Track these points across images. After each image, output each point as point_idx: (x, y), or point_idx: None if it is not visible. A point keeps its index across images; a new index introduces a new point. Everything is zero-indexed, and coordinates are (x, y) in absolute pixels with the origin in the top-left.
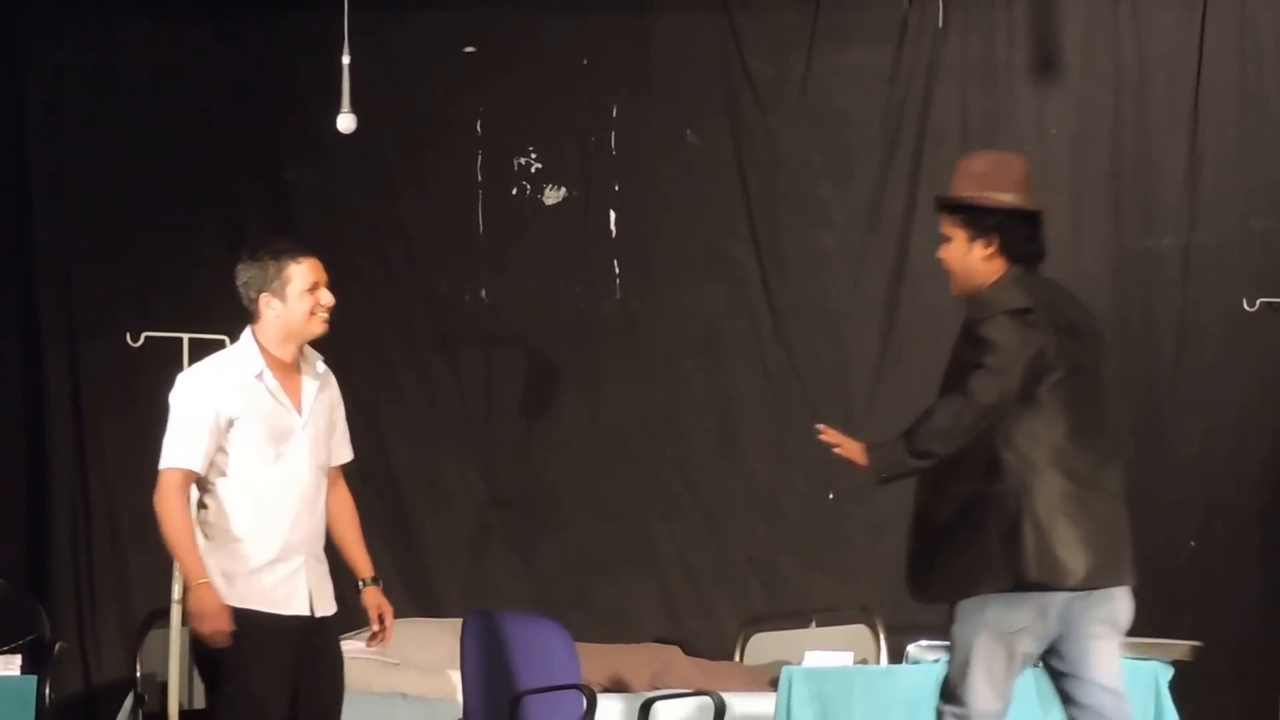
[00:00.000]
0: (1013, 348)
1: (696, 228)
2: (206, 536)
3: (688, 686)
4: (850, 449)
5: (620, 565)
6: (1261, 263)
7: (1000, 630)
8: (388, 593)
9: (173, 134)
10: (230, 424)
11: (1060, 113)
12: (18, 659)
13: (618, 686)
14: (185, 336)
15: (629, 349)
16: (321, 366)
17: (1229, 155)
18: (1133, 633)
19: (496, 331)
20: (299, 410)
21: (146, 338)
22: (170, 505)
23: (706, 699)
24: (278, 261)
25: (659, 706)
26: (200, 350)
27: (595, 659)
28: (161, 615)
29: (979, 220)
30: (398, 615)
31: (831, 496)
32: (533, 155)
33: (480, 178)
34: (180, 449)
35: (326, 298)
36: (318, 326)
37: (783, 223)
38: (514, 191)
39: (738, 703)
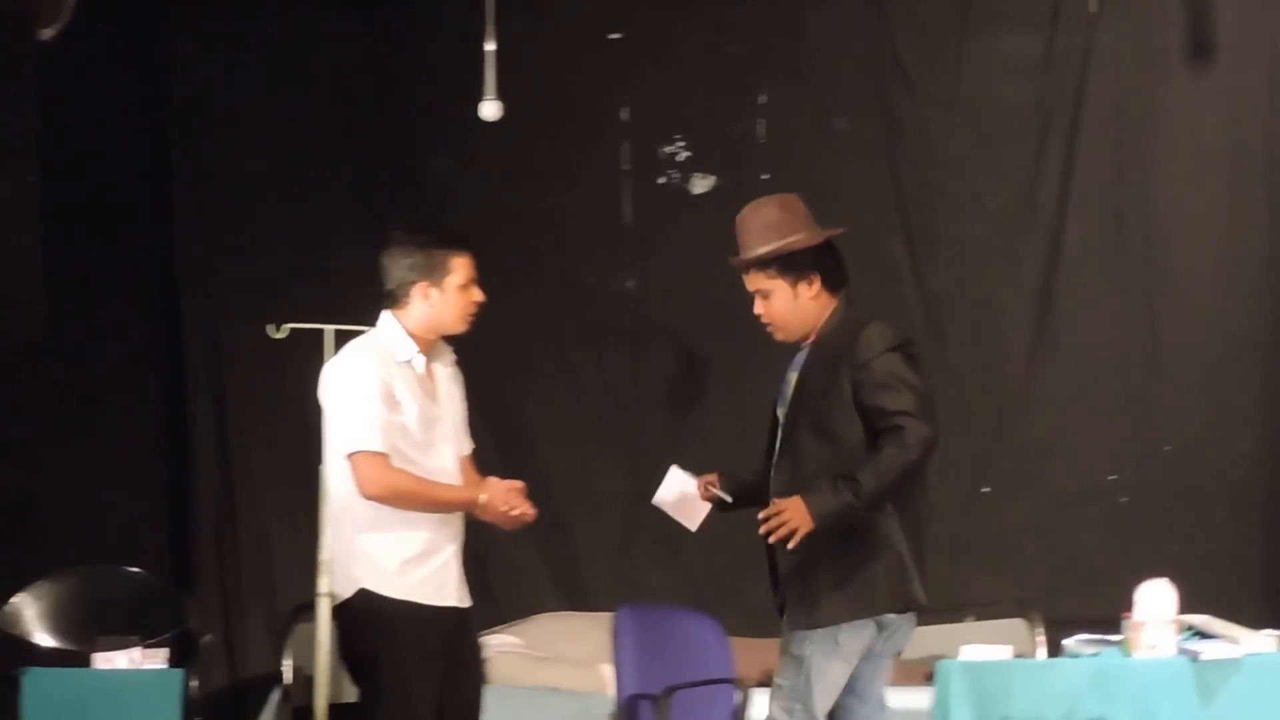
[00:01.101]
0: (917, 384)
1: (846, 218)
2: (360, 527)
3: None
4: (794, 514)
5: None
6: None
7: (851, 653)
8: (537, 588)
9: (314, 124)
10: (395, 405)
11: (1215, 98)
12: (164, 653)
13: (771, 681)
14: (328, 328)
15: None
16: (449, 356)
17: None
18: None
19: (644, 323)
20: (437, 400)
21: (289, 329)
22: (390, 483)
23: None
24: (443, 251)
25: None
26: (343, 341)
27: (748, 653)
28: (307, 609)
29: (795, 265)
30: (546, 610)
31: (985, 490)
32: (680, 143)
33: (627, 166)
34: (364, 431)
35: (478, 295)
36: (464, 324)
37: (934, 212)
38: (661, 180)
39: (893, 696)
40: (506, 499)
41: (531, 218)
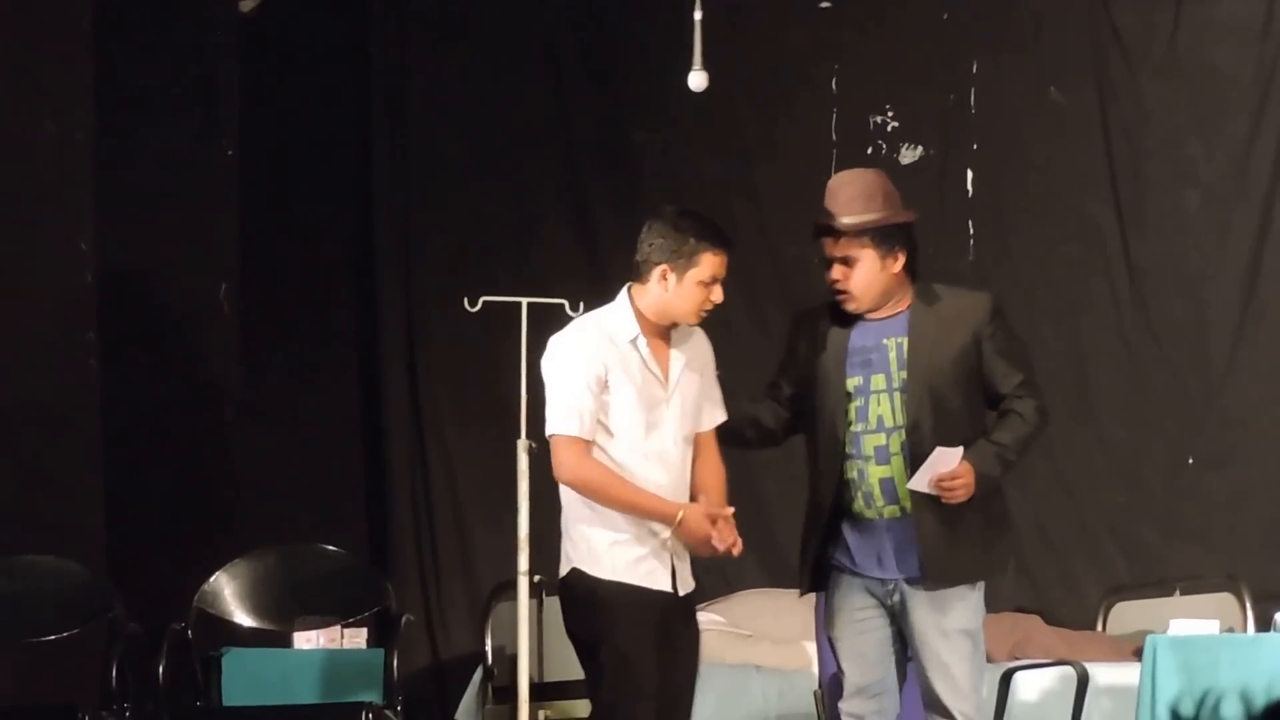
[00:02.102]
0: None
1: (1056, 187)
2: (574, 507)
3: (1049, 656)
4: (970, 479)
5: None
6: None
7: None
8: (740, 565)
9: (518, 97)
10: (606, 388)
11: None
12: (364, 632)
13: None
14: (524, 301)
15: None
16: (688, 332)
17: None
18: None
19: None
20: (666, 382)
21: (484, 303)
22: (584, 473)
23: (1069, 669)
24: (697, 242)
25: (1020, 677)
26: (539, 315)
27: None
28: (508, 587)
29: (890, 238)
30: (750, 587)
31: (1191, 461)
32: (889, 114)
33: (835, 137)
34: (568, 416)
35: (718, 295)
36: (696, 318)
37: (1147, 182)
38: (869, 151)
39: (1101, 673)
40: (703, 524)
41: (737, 190)
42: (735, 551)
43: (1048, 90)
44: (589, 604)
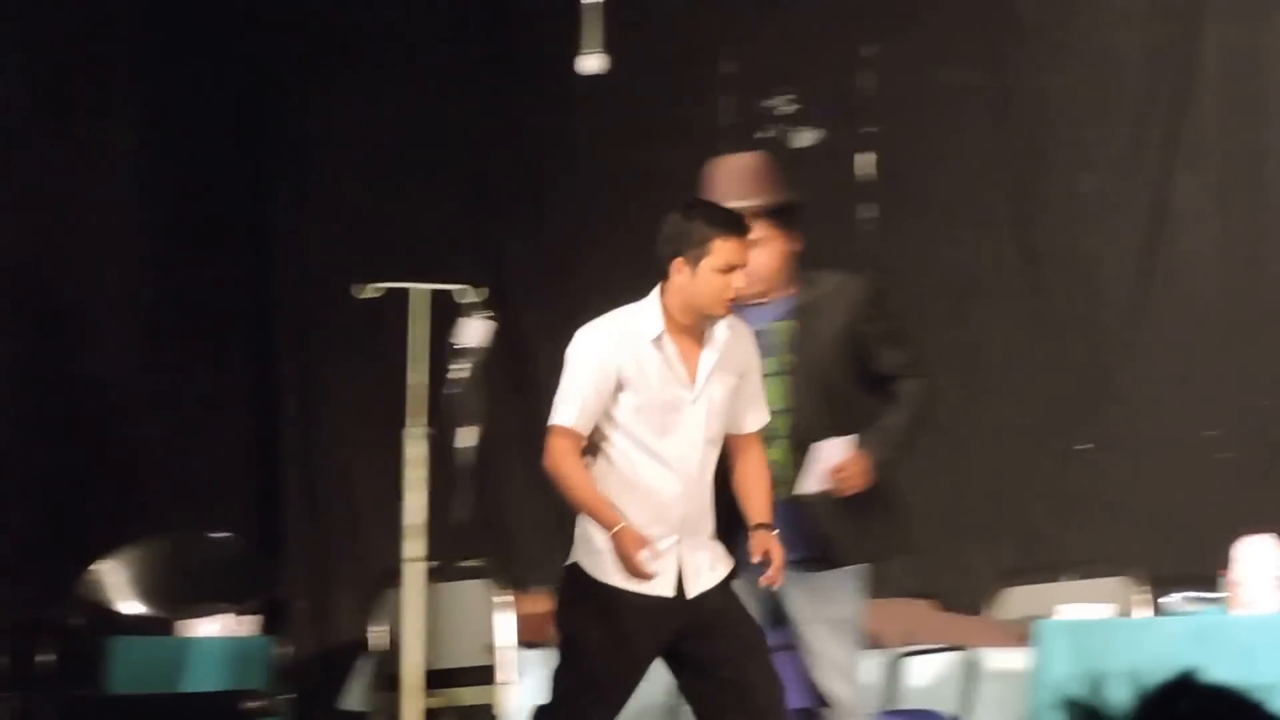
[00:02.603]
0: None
1: (950, 171)
2: None
3: (940, 641)
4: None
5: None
6: None
7: None
8: None
9: (414, 81)
10: (620, 386)
11: None
12: (255, 619)
13: (870, 642)
14: (415, 287)
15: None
16: (726, 333)
17: None
18: None
19: None
20: (692, 383)
21: (375, 290)
22: (559, 466)
23: (959, 654)
24: (706, 227)
25: (911, 661)
26: (431, 301)
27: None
28: (396, 574)
29: (790, 219)
30: None
31: (1083, 446)
32: (786, 97)
33: (728, 121)
34: (568, 408)
35: (740, 281)
36: (721, 309)
37: (1041, 164)
38: (762, 135)
39: (991, 657)
40: (628, 545)
41: (633, 174)
42: (642, 574)
43: (945, 74)
44: (574, 600)
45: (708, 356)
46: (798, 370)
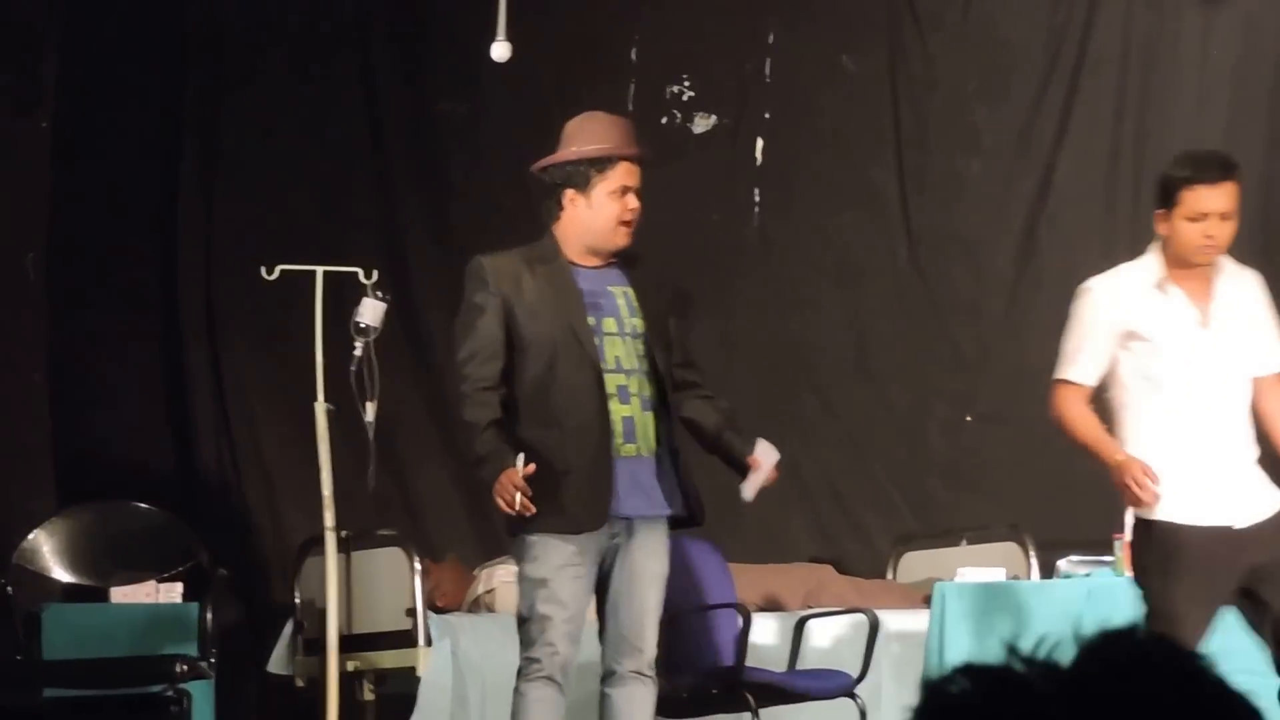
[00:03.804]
0: None
1: (842, 154)
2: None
3: (841, 604)
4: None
5: (769, 489)
6: None
7: None
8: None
9: (323, 64)
10: (1128, 335)
11: (1223, 34)
12: (179, 587)
13: (772, 606)
14: (319, 269)
15: (765, 276)
16: (1234, 267)
17: None
18: None
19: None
20: (1206, 321)
21: (282, 271)
22: (1061, 414)
23: (860, 616)
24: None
25: (813, 624)
26: (335, 283)
27: (749, 579)
28: (317, 542)
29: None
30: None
31: (970, 418)
32: (686, 84)
33: (632, 107)
34: (1068, 360)
35: (634, 202)
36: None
37: (930, 148)
38: (665, 120)
39: (891, 619)
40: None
41: (535, 159)
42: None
43: (841, 59)
44: (1139, 544)
45: (1223, 291)
46: (645, 334)
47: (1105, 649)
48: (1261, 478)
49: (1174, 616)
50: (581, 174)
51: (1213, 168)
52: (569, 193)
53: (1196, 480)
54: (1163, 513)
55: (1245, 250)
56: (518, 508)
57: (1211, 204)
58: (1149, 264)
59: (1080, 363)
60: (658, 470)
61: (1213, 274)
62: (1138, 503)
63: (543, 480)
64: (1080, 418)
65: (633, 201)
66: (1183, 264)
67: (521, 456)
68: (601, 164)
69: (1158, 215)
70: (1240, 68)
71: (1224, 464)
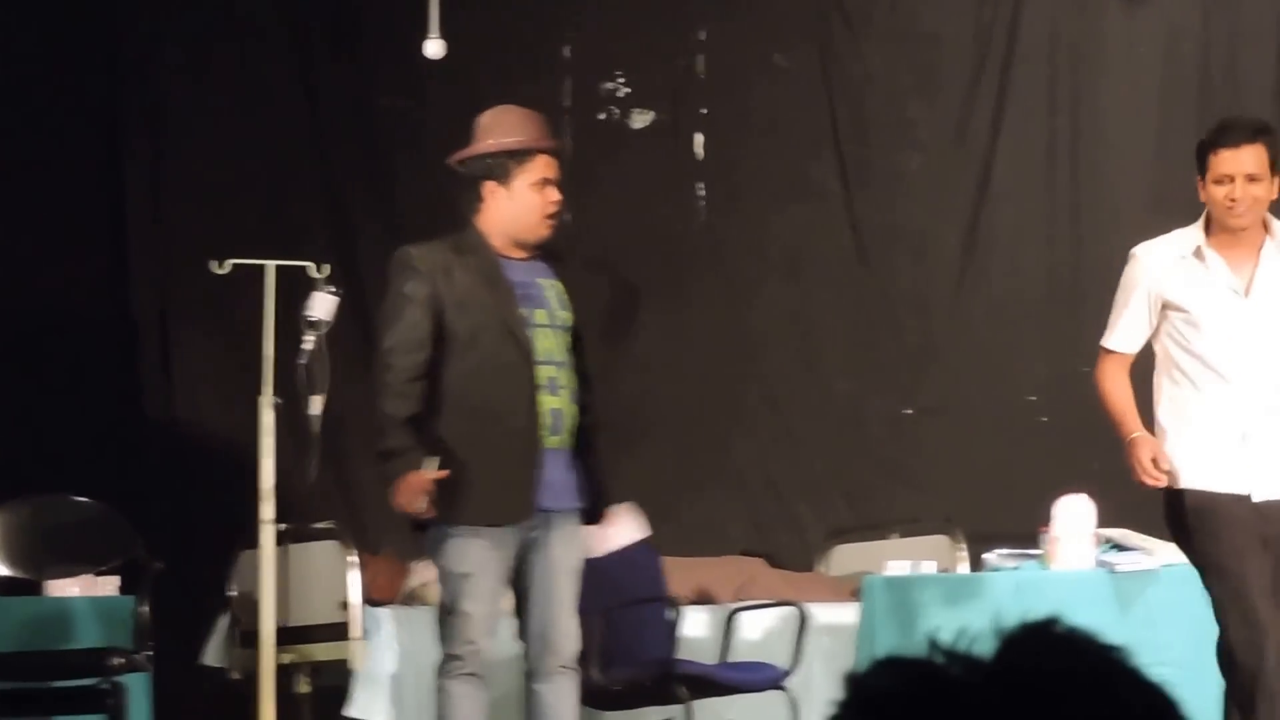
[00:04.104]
0: None
1: (782, 150)
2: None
3: (772, 598)
4: None
5: (705, 481)
6: None
7: None
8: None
9: (264, 61)
10: (1164, 304)
11: (1149, 32)
12: (116, 580)
13: (704, 599)
14: (270, 264)
15: (712, 271)
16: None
17: None
18: None
19: (582, 255)
20: (1248, 290)
21: (232, 265)
22: (1098, 382)
23: (791, 609)
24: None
25: (744, 617)
26: (286, 277)
27: (681, 572)
28: (252, 536)
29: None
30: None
31: (909, 411)
32: (621, 80)
33: (568, 103)
34: (1110, 327)
35: (555, 194)
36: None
37: (869, 143)
38: (602, 116)
39: (821, 612)
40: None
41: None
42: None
43: (773, 56)
44: (1172, 514)
45: (1270, 260)
46: (570, 327)
47: (1025, 641)
48: None
49: (1227, 570)
50: (501, 166)
51: (1236, 130)
52: (489, 185)
53: (1221, 451)
54: (1189, 481)
55: None
56: (416, 511)
57: (1234, 166)
58: (1191, 232)
59: (1119, 329)
60: (571, 463)
61: (1259, 239)
62: (1143, 481)
63: (469, 472)
64: (1112, 388)
65: (553, 194)
66: (1224, 230)
67: (436, 460)
68: (521, 156)
69: (1198, 183)
70: (1167, 65)
71: (1254, 436)
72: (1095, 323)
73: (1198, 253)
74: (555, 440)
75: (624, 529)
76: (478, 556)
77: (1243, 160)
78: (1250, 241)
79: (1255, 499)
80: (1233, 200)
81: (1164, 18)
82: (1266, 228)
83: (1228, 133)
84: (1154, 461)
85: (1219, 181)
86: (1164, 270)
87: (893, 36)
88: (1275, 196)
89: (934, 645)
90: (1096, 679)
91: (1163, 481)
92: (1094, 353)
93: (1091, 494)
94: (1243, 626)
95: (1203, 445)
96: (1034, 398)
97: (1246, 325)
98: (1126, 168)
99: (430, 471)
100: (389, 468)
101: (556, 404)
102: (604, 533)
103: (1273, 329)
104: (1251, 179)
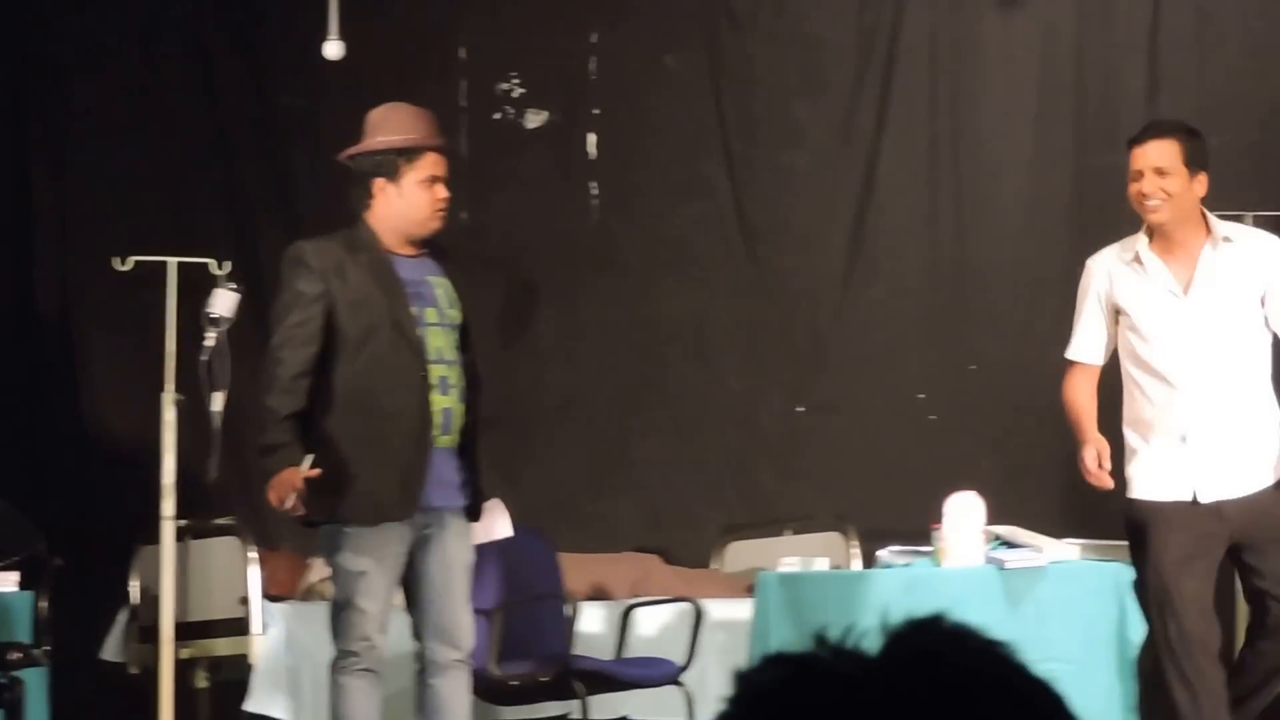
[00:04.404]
0: None
1: (673, 149)
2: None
3: (667, 594)
4: None
5: (601, 478)
6: (1215, 177)
7: None
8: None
9: (165, 61)
10: (1116, 310)
11: (1025, 35)
12: (15, 575)
13: (599, 595)
14: (172, 260)
15: (606, 268)
16: (1242, 233)
17: (1187, 74)
18: (1097, 535)
19: (477, 253)
20: (1186, 289)
21: (135, 262)
22: (1063, 392)
23: (686, 605)
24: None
25: (639, 613)
26: (188, 274)
27: (577, 569)
28: (152, 531)
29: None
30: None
31: (801, 409)
32: (516, 81)
33: (464, 103)
34: (1072, 338)
35: (443, 191)
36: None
37: (756, 143)
38: (497, 116)
39: (716, 608)
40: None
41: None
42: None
43: (663, 58)
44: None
45: (1206, 258)
46: (459, 325)
47: (911, 636)
48: (1257, 453)
49: (1149, 584)
50: (390, 163)
51: (1148, 128)
52: (378, 181)
53: (1165, 455)
54: (1135, 491)
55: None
56: (288, 507)
57: (1141, 161)
58: (1133, 238)
59: (1076, 339)
60: (458, 462)
61: (1200, 241)
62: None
63: (361, 470)
64: (1074, 397)
65: (442, 191)
66: (1160, 233)
67: (310, 459)
68: (410, 154)
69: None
70: (1043, 67)
71: (1195, 437)
72: (981, 320)
73: (1137, 258)
74: (446, 440)
75: (494, 525)
76: (371, 554)
77: (1149, 154)
78: (1191, 243)
79: (1203, 500)
80: (1143, 195)
81: (1040, 20)
82: (1208, 229)
83: (1141, 131)
84: (1098, 462)
85: (1133, 178)
86: (1110, 277)
87: (778, 38)
88: (1199, 194)
89: (821, 640)
90: (981, 674)
91: (1106, 482)
92: (980, 350)
93: (980, 491)
94: (1175, 638)
95: (1150, 454)
96: (923, 395)
97: (1186, 325)
98: (1006, 167)
99: (303, 469)
100: (269, 462)
101: (447, 403)
102: (477, 528)
103: (1214, 328)
104: (1160, 173)
